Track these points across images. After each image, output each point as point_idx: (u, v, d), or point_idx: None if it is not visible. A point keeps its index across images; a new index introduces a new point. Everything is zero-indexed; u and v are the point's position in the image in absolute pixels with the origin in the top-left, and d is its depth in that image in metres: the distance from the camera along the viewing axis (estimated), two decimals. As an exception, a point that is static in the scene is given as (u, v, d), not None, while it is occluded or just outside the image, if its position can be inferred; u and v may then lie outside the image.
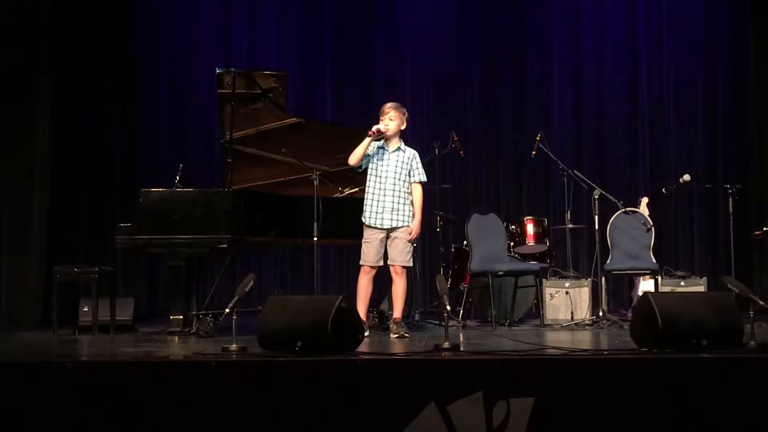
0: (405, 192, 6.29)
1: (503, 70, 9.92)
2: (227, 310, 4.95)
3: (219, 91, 6.95)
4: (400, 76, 9.97)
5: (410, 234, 6.26)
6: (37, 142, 7.99)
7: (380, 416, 4.17)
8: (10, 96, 7.85)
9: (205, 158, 9.31)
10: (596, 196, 7.35)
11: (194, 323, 6.52)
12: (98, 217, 8.92)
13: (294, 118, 7.15)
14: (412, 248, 6.33)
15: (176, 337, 6.36)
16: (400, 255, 6.23)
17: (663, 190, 8.38)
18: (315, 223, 6.41)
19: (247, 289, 4.98)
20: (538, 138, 7.92)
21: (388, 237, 6.26)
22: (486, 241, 7.44)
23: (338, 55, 10.01)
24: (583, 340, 6.06)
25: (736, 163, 9.45)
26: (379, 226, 6.23)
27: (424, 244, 9.21)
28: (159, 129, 9.81)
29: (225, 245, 6.49)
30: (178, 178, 6.96)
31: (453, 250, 8.29)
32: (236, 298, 4.91)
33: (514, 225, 8.05)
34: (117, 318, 7.05)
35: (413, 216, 6.31)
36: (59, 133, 8.37)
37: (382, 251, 6.26)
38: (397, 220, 6.24)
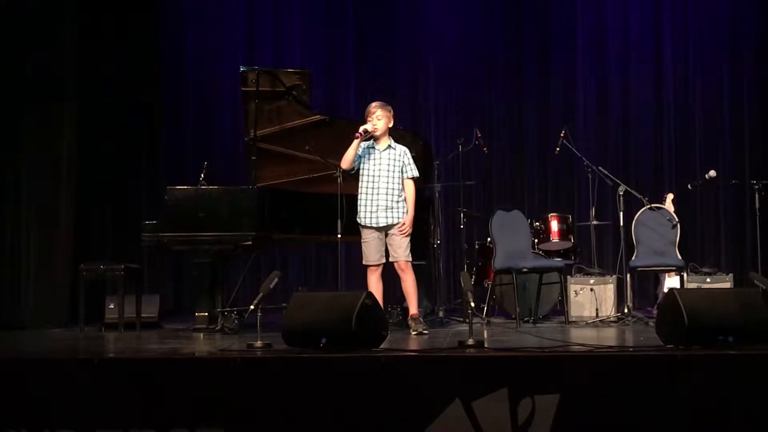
0: (398, 189, 6.26)
1: (527, 66, 9.90)
2: (252, 307, 4.98)
3: (243, 88, 6.98)
4: (423, 74, 9.98)
5: (402, 227, 6.20)
6: (63, 142, 8.05)
7: (405, 413, 4.17)
8: (36, 96, 7.91)
9: (230, 156, 9.36)
10: (621, 193, 7.31)
11: (219, 320, 6.57)
12: (124, 215, 8.98)
13: (318, 116, 7.17)
14: (409, 242, 6.28)
15: (201, 334, 6.40)
16: (399, 250, 6.20)
17: (689, 186, 8.33)
18: (339, 220, 6.42)
19: (271, 286, 5.01)
20: (562, 134, 7.89)
21: (386, 235, 6.26)
22: (510, 237, 7.42)
23: (362, 54, 10.03)
24: (608, 337, 6.03)
25: (762, 159, 9.36)
26: (374, 225, 6.22)
27: (448, 241, 9.21)
28: (184, 127, 9.88)
29: (249, 242, 6.52)
30: (202, 176, 7.01)
31: (477, 246, 8.28)
32: (261, 295, 4.94)
33: (538, 221, 8.03)
34: (143, 315, 7.11)
35: (407, 212, 6.28)
36: (85, 132, 8.43)
37: (383, 248, 6.23)
38: (392, 218, 6.22)
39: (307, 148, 7.02)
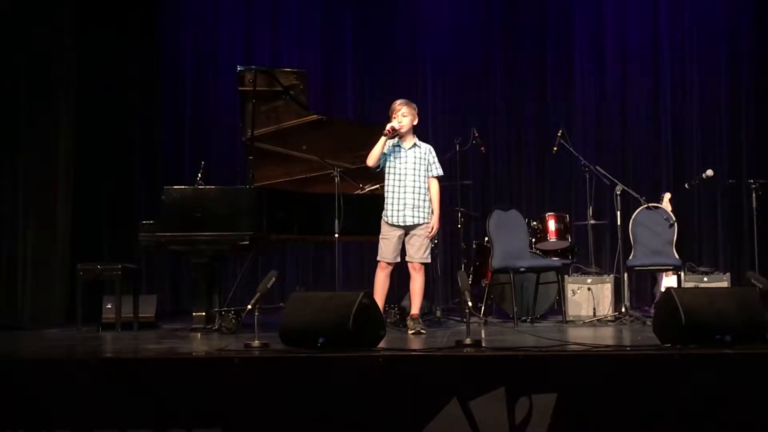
0: (424, 188, 6.27)
1: (525, 66, 9.91)
2: (249, 307, 4.97)
3: (240, 88, 6.97)
4: (421, 74, 9.98)
5: (430, 230, 6.25)
6: (60, 142, 8.05)
7: (402, 412, 4.17)
8: (34, 96, 7.91)
9: (227, 156, 9.36)
10: (618, 192, 7.32)
11: (217, 320, 6.57)
12: (121, 215, 8.98)
13: (315, 116, 7.16)
14: (430, 244, 6.32)
15: (199, 334, 6.40)
16: (419, 252, 6.22)
17: (686, 185, 8.33)
18: (336, 220, 6.42)
19: (269, 286, 5.00)
20: (559, 134, 7.89)
21: (406, 234, 6.26)
22: (507, 237, 7.42)
23: (360, 54, 10.03)
24: (606, 336, 6.03)
25: (760, 158, 9.38)
26: (401, 224, 6.22)
27: (446, 240, 9.21)
28: (182, 127, 9.86)
29: (247, 242, 6.51)
30: (200, 175, 7.01)
31: (474, 246, 8.29)
32: (258, 294, 4.94)
33: (535, 221, 8.03)
34: (140, 315, 7.11)
35: (432, 212, 6.29)
36: (83, 132, 8.43)
37: (400, 248, 6.25)
38: (418, 217, 6.22)
39: (304, 147, 7.02)
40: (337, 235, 6.47)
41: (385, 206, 6.27)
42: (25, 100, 7.90)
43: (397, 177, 6.26)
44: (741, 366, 4.18)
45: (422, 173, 6.28)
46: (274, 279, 5.04)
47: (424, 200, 6.26)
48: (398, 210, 6.22)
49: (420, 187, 6.25)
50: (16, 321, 7.61)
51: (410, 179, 6.25)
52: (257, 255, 8.37)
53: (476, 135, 8.07)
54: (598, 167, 7.79)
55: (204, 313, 6.64)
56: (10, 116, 7.85)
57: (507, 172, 9.86)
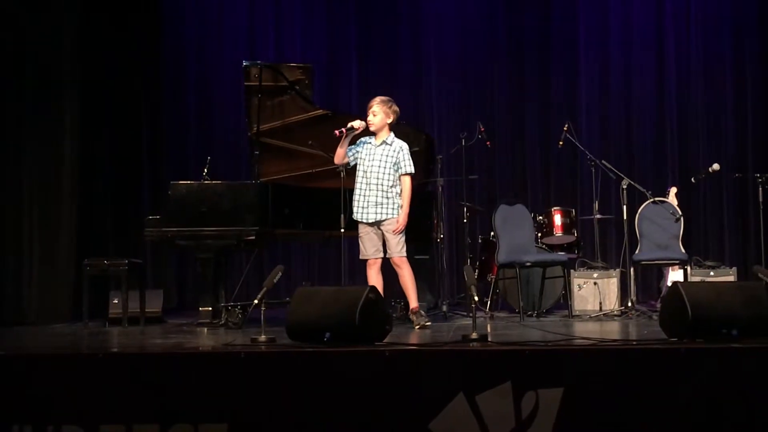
0: (388, 185, 6.23)
1: (529, 59, 9.89)
2: (256, 302, 4.98)
3: (246, 83, 6.97)
4: (425, 68, 9.96)
5: (396, 225, 6.21)
6: (65, 139, 8.05)
7: (409, 407, 4.18)
8: (39, 94, 7.92)
9: (233, 152, 9.36)
10: (624, 186, 7.30)
11: (223, 315, 6.58)
12: (127, 210, 8.99)
13: (320, 110, 7.16)
14: (403, 238, 6.26)
15: (205, 329, 6.41)
16: (393, 247, 6.22)
17: (692, 179, 8.31)
18: (342, 215, 6.42)
19: (275, 281, 5.01)
20: (565, 128, 7.88)
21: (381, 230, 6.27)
22: (513, 231, 7.42)
23: (364, 50, 10.01)
24: (612, 331, 6.03)
25: (766, 152, 9.35)
26: (365, 221, 6.24)
27: (451, 235, 9.21)
28: (187, 122, 9.87)
29: (253, 237, 6.52)
30: (205, 170, 7.01)
31: (480, 241, 8.28)
32: (264, 289, 4.94)
33: (541, 215, 8.02)
34: (147, 310, 7.13)
35: (401, 207, 6.25)
36: (88, 129, 8.44)
37: (379, 243, 6.25)
38: (383, 213, 6.21)
39: (309, 142, 7.02)
40: (342, 230, 6.46)
41: (353, 203, 6.29)
42: (29, 97, 7.90)
43: (363, 174, 6.28)
44: (748, 360, 4.18)
45: (388, 170, 6.24)
46: (280, 274, 5.05)
47: (389, 197, 6.23)
48: (363, 207, 6.24)
49: (383, 184, 6.22)
50: (22, 316, 7.64)
51: (374, 176, 6.23)
52: (263, 250, 8.37)
53: (482, 129, 8.06)
54: (603, 161, 7.77)
55: (210, 308, 6.65)
56: (15, 114, 7.86)
57: (513, 166, 9.84)
